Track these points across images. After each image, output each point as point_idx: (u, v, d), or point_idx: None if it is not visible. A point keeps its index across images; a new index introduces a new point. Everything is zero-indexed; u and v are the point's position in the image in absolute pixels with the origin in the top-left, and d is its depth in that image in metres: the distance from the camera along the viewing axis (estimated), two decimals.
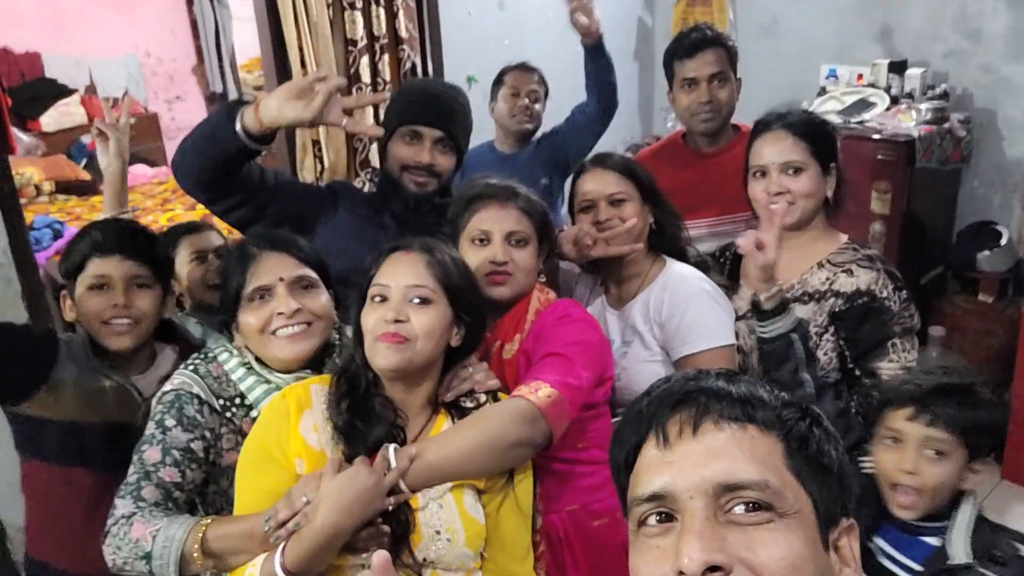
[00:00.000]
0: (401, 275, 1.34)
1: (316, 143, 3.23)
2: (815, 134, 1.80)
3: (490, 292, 1.61)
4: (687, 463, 0.71)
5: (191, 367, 1.49)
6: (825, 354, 1.74)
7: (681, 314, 1.71)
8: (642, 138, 4.57)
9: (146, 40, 6.33)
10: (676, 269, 1.81)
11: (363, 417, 1.31)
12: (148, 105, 6.40)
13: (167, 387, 1.45)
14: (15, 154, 4.71)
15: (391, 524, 1.26)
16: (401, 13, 3.28)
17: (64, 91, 5.88)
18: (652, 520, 0.71)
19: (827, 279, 1.78)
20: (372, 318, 1.32)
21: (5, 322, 1.76)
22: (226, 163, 1.68)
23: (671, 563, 0.67)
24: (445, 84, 2.17)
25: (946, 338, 3.32)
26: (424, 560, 1.28)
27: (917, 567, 1.42)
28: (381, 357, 1.30)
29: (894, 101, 3.56)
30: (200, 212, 4.09)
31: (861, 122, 3.48)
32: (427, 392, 1.38)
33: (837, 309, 1.75)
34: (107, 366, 1.68)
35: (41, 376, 1.62)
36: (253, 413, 1.46)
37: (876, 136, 3.37)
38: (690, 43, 2.30)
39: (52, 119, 5.76)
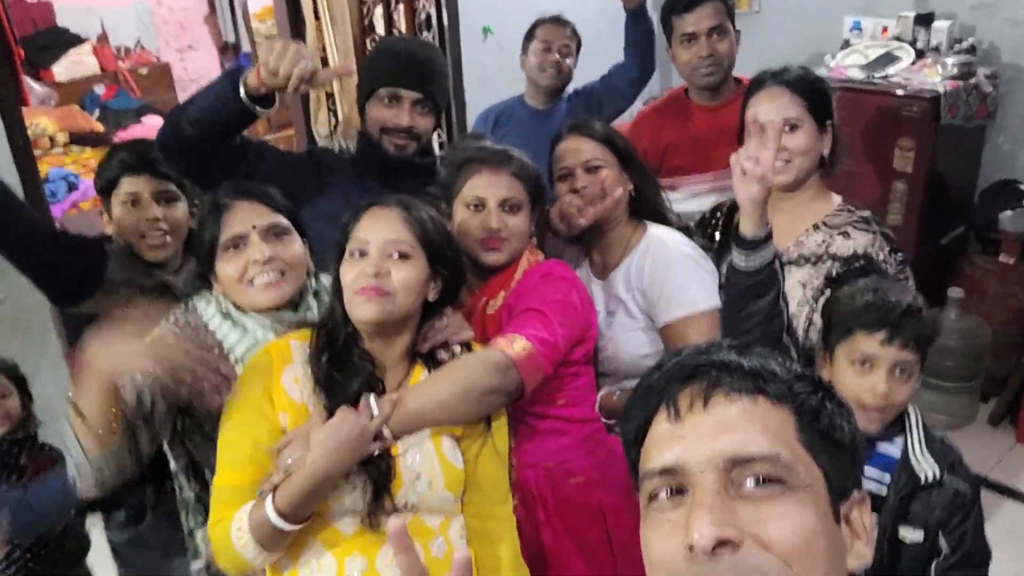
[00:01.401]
0: (380, 230, 1.36)
1: (330, 96, 3.21)
2: (812, 91, 1.76)
3: (484, 258, 1.64)
4: (698, 436, 0.70)
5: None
6: (822, 318, 1.73)
7: (663, 280, 1.70)
8: (660, 90, 4.49)
9: None
10: (657, 234, 1.79)
11: (342, 369, 1.35)
12: (160, 55, 6.35)
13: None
14: (28, 105, 4.69)
15: (373, 472, 1.30)
16: None
17: (76, 40, 5.83)
18: (663, 495, 0.70)
19: (823, 242, 1.75)
20: (352, 273, 1.35)
21: (63, 231, 2.00)
22: (225, 131, 1.68)
23: (681, 537, 0.66)
24: (422, 43, 2.15)
25: (965, 300, 3.28)
26: (406, 505, 1.32)
27: (878, 475, 1.49)
28: (362, 310, 1.33)
29: (919, 55, 3.47)
30: None
31: (885, 77, 3.39)
32: (404, 345, 1.41)
33: (834, 273, 1.72)
34: (146, 268, 1.87)
35: (97, 279, 1.82)
36: (231, 358, 1.49)
37: (900, 92, 3.29)
38: None
39: (65, 69, 5.73)
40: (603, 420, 1.76)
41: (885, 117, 3.27)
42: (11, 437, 1.95)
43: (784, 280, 1.55)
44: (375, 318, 1.33)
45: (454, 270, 1.46)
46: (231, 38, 6.54)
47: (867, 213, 1.79)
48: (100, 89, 5.79)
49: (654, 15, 2.80)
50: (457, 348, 1.45)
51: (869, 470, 1.49)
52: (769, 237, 1.50)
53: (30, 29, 5.63)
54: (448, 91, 2.01)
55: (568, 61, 2.81)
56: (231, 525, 1.28)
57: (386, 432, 1.31)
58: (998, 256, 3.40)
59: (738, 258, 1.51)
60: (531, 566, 1.49)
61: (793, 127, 1.73)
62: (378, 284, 1.32)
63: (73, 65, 5.77)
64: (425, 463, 1.34)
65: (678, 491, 0.70)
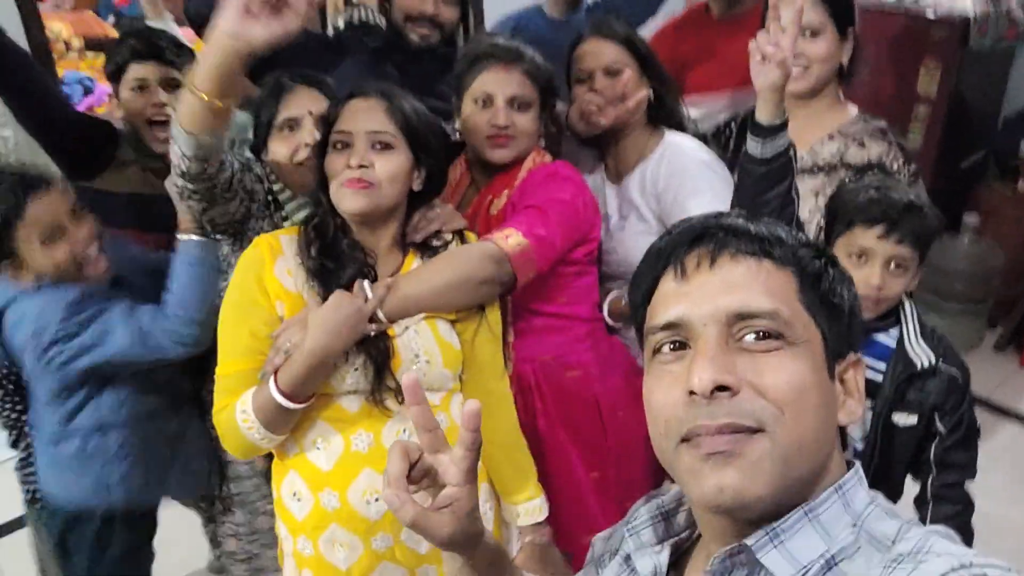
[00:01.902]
0: (362, 121, 1.37)
1: None
2: None
3: (490, 155, 1.64)
4: (703, 294, 0.72)
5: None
6: (826, 213, 1.74)
7: (677, 186, 1.71)
8: (684, 5, 4.40)
9: None
10: (674, 141, 1.79)
11: (334, 259, 1.38)
12: None
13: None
14: (44, 1, 4.64)
15: (372, 352, 1.34)
16: None
17: None
18: (666, 348, 0.73)
19: (838, 150, 1.75)
20: (337, 164, 1.36)
21: (83, 113, 2.08)
22: None
23: (683, 386, 0.69)
24: None
25: (981, 225, 3.28)
26: None
27: (876, 364, 1.55)
28: (348, 202, 1.35)
29: None
30: None
31: (916, 0, 3.32)
32: (392, 234, 1.44)
33: (847, 181, 1.72)
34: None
35: (109, 156, 1.91)
36: (285, 210, 1.59)
37: (930, 14, 3.22)
38: None
39: None
40: (611, 323, 1.80)
41: (912, 38, 3.21)
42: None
43: (796, 170, 1.56)
44: (361, 209, 1.35)
45: (438, 159, 1.47)
46: None
47: (883, 123, 1.79)
48: None
49: None
50: (448, 236, 1.47)
51: (865, 359, 1.53)
52: (785, 125, 1.50)
53: None
54: None
55: None
56: (236, 408, 1.31)
57: (381, 315, 1.34)
58: (1016, 183, 3.38)
59: (753, 145, 1.51)
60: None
61: (814, 33, 1.72)
62: (363, 176, 1.34)
63: None
64: (422, 342, 1.38)
65: (681, 345, 0.72)
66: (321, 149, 1.41)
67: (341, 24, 2.73)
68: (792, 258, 0.74)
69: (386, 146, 1.37)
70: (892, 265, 1.48)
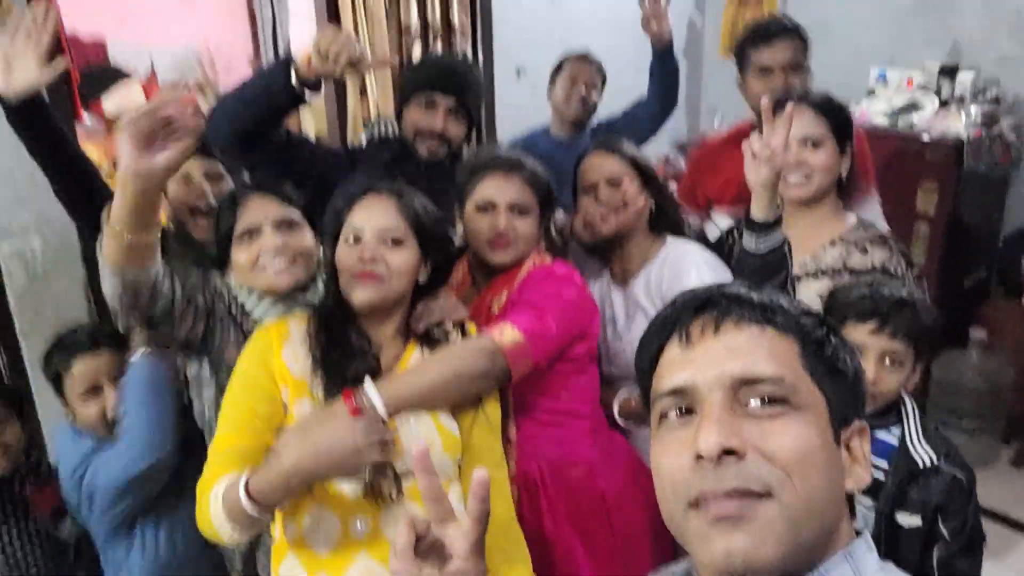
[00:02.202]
0: (375, 218, 1.45)
1: (363, 93, 3.39)
2: (834, 111, 1.84)
3: (491, 257, 1.71)
4: (708, 360, 0.74)
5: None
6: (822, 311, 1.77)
7: (680, 287, 1.74)
8: (688, 137, 4.59)
9: (206, 31, 6.51)
10: (676, 244, 1.87)
11: (340, 348, 1.42)
12: None
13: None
14: (81, 120, 4.87)
15: None
16: (454, 3, 3.39)
17: (126, 77, 6.06)
18: (673, 414, 0.75)
19: (840, 256, 1.81)
20: (349, 258, 1.43)
21: None
22: (274, 113, 1.80)
23: (690, 451, 0.70)
24: (461, 58, 2.25)
25: (988, 341, 3.29)
26: (407, 472, 1.36)
27: (878, 462, 1.54)
28: (358, 294, 1.41)
29: (943, 104, 3.53)
30: None
31: (910, 125, 3.46)
32: (397, 323, 1.49)
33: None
34: (196, 245, 1.98)
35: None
36: (253, 316, 1.60)
37: (924, 138, 3.35)
38: (767, 31, 2.28)
39: (114, 103, 5.95)
40: (622, 423, 1.81)
41: (909, 160, 3.32)
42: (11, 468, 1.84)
43: (792, 266, 1.60)
44: (370, 301, 1.41)
45: (444, 254, 1.54)
46: None
47: (883, 232, 1.85)
48: None
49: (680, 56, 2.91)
50: (449, 325, 1.51)
51: None
52: (779, 222, 1.56)
53: (82, 65, 5.87)
54: (480, 104, 2.13)
55: (593, 95, 2.93)
56: (211, 492, 1.28)
57: (382, 412, 1.33)
58: (1021, 299, 3.41)
59: (748, 241, 1.57)
60: (534, 555, 1.51)
61: (815, 144, 1.81)
62: (373, 270, 1.40)
63: (122, 99, 5.98)
64: (423, 430, 1.39)
65: (687, 411, 0.74)
66: (332, 241, 1.47)
67: (364, 141, 2.88)
68: (795, 326, 0.76)
69: (396, 242, 1.44)
70: (887, 360, 1.51)
